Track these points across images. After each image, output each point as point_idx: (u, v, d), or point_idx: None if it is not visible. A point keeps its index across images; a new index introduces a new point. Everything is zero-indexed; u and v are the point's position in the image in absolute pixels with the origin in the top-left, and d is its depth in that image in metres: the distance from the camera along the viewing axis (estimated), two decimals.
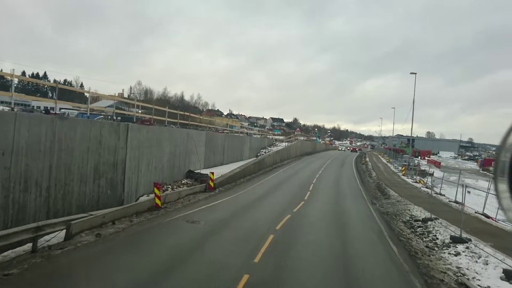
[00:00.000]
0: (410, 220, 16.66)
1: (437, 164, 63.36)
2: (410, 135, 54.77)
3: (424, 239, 13.79)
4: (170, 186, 20.00)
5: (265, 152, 39.42)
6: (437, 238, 13.70)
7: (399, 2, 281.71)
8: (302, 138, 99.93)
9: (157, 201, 13.84)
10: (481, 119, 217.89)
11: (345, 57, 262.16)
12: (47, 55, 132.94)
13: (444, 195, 23.79)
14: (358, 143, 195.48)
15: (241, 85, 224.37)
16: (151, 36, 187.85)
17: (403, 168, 36.29)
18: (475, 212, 18.42)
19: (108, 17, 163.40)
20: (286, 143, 48.51)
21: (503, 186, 1.24)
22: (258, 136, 51.92)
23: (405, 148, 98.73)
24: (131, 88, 69.47)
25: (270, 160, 34.39)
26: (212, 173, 19.88)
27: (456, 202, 21.09)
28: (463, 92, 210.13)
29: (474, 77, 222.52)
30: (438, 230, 14.57)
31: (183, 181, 21.80)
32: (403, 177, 34.29)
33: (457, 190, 28.69)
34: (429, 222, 15.71)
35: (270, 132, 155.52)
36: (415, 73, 39.22)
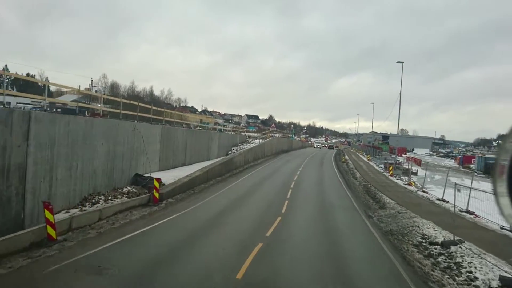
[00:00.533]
0: (423, 242, 12.25)
1: (418, 162, 60.30)
2: (397, 129, 51.26)
3: (457, 278, 9.36)
4: (103, 197, 14.85)
5: (236, 150, 34.57)
6: (476, 278, 9.29)
7: (374, 1, 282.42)
8: (278, 135, 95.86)
9: (50, 230, 8.75)
10: (451, 117, 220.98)
11: (320, 54, 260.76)
12: (11, 49, 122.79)
13: (448, 202, 19.66)
14: (334, 140, 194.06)
15: (217, 82, 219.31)
16: (124, 32, 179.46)
17: (391, 168, 32.28)
18: (501, 228, 14.25)
19: (77, 11, 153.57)
20: (260, 140, 43.79)
21: (503, 190, 1.16)
22: (231, 132, 46.97)
23: (382, 145, 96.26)
24: (92, 81, 62.97)
25: (241, 160, 29.57)
26: (159, 180, 14.79)
27: (468, 212, 16.91)
28: (435, 90, 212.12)
29: (445, 76, 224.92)
30: (471, 261, 10.16)
31: (125, 189, 16.65)
32: (391, 177, 30.24)
33: (454, 192, 24.73)
34: (453, 248, 11.32)
35: (245, 129, 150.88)
36: (402, 62, 35.47)
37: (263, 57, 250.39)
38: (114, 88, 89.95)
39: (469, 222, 15.17)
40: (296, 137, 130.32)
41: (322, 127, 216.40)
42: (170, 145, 24.23)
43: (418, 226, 13.81)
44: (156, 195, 14.06)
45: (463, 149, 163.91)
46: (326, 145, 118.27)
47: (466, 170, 62.38)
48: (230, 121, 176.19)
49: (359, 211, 16.39)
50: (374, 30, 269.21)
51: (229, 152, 34.71)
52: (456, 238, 11.72)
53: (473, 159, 65.71)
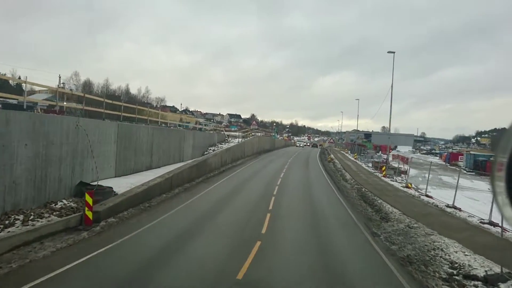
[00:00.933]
0: (455, 275, 8.90)
1: (405, 160, 57.78)
2: (389, 125, 48.43)
3: None
4: (22, 217, 10.94)
5: (213, 151, 30.86)
6: None
7: (356, 0, 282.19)
8: (260, 134, 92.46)
9: None
10: (430, 114, 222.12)
11: (303, 53, 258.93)
12: None
13: (460, 209, 16.43)
14: (316, 139, 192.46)
15: (200, 82, 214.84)
16: (106, 31, 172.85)
17: (384, 168, 29.13)
18: None
19: (57, 9, 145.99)
20: (240, 139, 40.10)
21: (501, 189, 1.13)
22: (208, 131, 43.14)
23: (366, 143, 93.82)
24: (60, 78, 57.84)
25: (217, 161, 25.86)
26: (91, 193, 10.67)
27: (492, 224, 13.68)
28: (415, 89, 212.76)
29: (425, 74, 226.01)
30: None
31: (59, 204, 12.73)
32: (385, 179, 27.08)
33: (453, 194, 21.95)
34: (503, 287, 8.04)
35: (226, 128, 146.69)
36: (393, 52, 32.45)
37: (245, 56, 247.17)
38: (86, 86, 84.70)
39: (503, 241, 11.87)
40: (278, 136, 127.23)
41: (304, 126, 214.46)
42: (131, 146, 20.34)
43: (441, 249, 10.42)
44: (89, 214, 10.17)
45: (443, 146, 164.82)
46: (309, 144, 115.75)
47: (454, 167, 60.27)
48: (212, 120, 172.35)
49: (359, 227, 12.90)
50: (357, 28, 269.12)
51: (205, 153, 30.96)
52: (505, 270, 8.40)
53: (460, 156, 63.71)
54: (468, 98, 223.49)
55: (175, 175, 16.88)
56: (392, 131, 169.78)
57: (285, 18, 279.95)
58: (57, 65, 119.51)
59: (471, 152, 59.77)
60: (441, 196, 20.44)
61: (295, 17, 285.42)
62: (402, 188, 22.43)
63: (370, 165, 43.53)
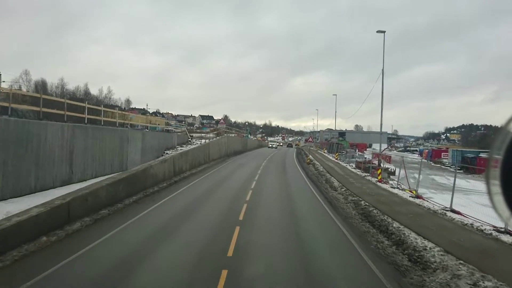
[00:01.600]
0: None
1: (388, 159, 52.90)
2: (381, 117, 43.23)
3: None
4: None
5: (168, 154, 24.40)
6: None
7: (327, 1, 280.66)
8: (233, 134, 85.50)
9: None
10: (400, 112, 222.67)
11: (275, 54, 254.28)
12: None
13: (488, 224, 10.82)
14: (291, 138, 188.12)
15: (172, 84, 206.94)
16: (70, 32, 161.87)
17: (379, 171, 23.45)
18: None
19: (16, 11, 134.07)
20: (206, 141, 33.64)
21: (496, 190, 1.13)
22: (167, 131, 36.48)
23: (342, 142, 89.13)
24: (0, 75, 49.43)
25: (167, 170, 19.32)
26: None
27: None
28: (385, 87, 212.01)
29: (393, 73, 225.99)
30: None
31: None
32: (383, 185, 21.42)
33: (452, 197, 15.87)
34: None
35: (198, 130, 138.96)
36: (384, 31, 27.00)
37: (218, 58, 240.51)
38: (38, 86, 75.67)
39: None
40: (252, 136, 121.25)
41: (278, 126, 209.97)
42: (29, 153, 13.70)
43: None
44: None
45: (414, 143, 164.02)
46: (282, 144, 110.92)
47: (439, 165, 56.06)
48: (183, 123, 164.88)
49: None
50: (328, 29, 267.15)
51: (160, 157, 24.46)
52: None
53: (443, 153, 59.71)
54: (435, 96, 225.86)
55: (78, 198, 10.34)
56: (365, 129, 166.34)
57: (259, 19, 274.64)
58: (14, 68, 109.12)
59: (459, 149, 55.61)
60: (457, 205, 14.98)
61: (269, 18, 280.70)
62: (412, 200, 16.70)
63: (353, 165, 38.19)
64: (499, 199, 1.12)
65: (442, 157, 58.84)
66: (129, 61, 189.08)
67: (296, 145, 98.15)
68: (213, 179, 22.21)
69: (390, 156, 54.10)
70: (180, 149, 27.40)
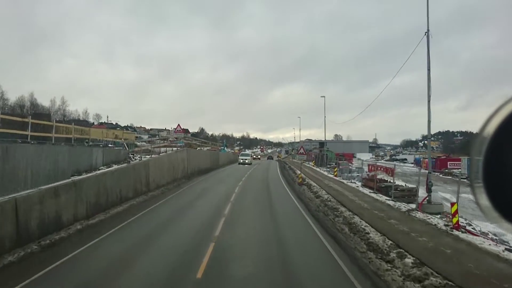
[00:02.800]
0: None
1: (389, 171, 42.79)
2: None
3: None
4: None
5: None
6: None
7: (303, 13, 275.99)
8: (206, 148, 73.29)
9: None
10: (377, 121, 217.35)
11: (253, 66, 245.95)
12: None
13: None
14: (270, 150, 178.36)
15: (148, 97, 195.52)
16: (42, 46, 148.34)
17: (454, 208, 12.45)
18: None
19: None
20: (148, 156, 21.94)
21: (482, 194, 1.14)
22: (88, 145, 24.75)
23: (328, 152, 78.74)
24: None
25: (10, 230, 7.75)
26: None
27: None
28: (362, 97, 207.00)
29: (370, 83, 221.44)
30: None
31: None
32: (431, 221, 10.63)
33: None
34: None
35: (172, 143, 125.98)
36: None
37: (195, 70, 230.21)
38: None
39: None
40: (228, 149, 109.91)
41: (256, 138, 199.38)
42: None
43: None
44: None
45: (392, 151, 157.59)
46: (259, 156, 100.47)
47: (449, 177, 46.01)
48: (157, 136, 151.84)
49: None
50: (305, 40, 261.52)
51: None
52: None
53: (449, 162, 50.00)
54: (410, 104, 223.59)
55: None
56: (344, 139, 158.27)
57: (236, 32, 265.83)
58: None
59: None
60: None
61: (246, 31, 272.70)
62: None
63: (356, 183, 27.60)
64: (483, 197, 1.12)
65: (449, 166, 49.05)
66: (104, 76, 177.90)
67: (278, 157, 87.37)
68: (119, 246, 10.41)
69: (393, 169, 43.65)
70: (108, 171, 15.81)
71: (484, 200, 1.11)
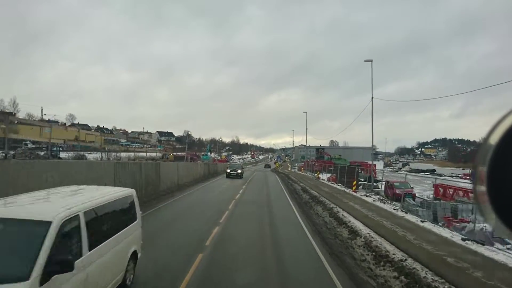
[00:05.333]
0: None
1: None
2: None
3: None
4: None
5: None
6: None
7: (302, 20, 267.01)
8: (186, 159, 55.45)
9: None
10: (371, 128, 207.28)
11: (248, 72, 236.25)
12: None
13: None
14: (261, 156, 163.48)
15: (142, 101, 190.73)
16: (37, 49, 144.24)
17: None
18: None
19: None
20: None
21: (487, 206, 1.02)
22: None
23: (339, 160, 62.25)
24: None
25: None
26: None
27: None
28: (357, 104, 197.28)
29: (364, 90, 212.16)
30: None
31: None
32: None
33: None
34: None
35: (150, 148, 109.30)
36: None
37: (190, 74, 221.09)
38: None
39: None
40: (214, 155, 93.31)
41: (247, 143, 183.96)
42: None
43: None
44: None
45: (390, 159, 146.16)
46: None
47: None
48: (136, 140, 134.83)
49: None
50: (303, 46, 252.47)
51: None
52: None
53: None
54: (404, 111, 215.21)
55: None
56: (340, 145, 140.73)
57: (234, 36, 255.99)
58: None
59: None
60: None
61: (245, 35, 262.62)
62: None
63: (421, 219, 11.38)
64: (488, 207, 1.04)
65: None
66: (97, 78, 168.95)
67: (276, 165, 70.62)
68: None
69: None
70: None
71: (490, 213, 1.01)
